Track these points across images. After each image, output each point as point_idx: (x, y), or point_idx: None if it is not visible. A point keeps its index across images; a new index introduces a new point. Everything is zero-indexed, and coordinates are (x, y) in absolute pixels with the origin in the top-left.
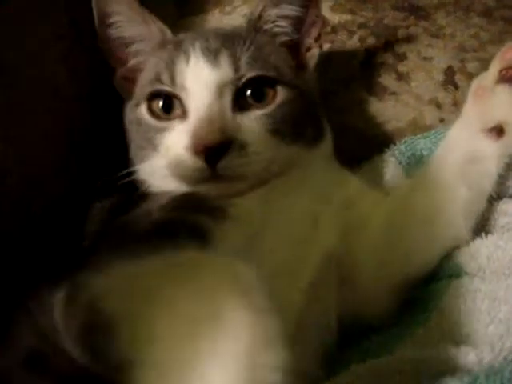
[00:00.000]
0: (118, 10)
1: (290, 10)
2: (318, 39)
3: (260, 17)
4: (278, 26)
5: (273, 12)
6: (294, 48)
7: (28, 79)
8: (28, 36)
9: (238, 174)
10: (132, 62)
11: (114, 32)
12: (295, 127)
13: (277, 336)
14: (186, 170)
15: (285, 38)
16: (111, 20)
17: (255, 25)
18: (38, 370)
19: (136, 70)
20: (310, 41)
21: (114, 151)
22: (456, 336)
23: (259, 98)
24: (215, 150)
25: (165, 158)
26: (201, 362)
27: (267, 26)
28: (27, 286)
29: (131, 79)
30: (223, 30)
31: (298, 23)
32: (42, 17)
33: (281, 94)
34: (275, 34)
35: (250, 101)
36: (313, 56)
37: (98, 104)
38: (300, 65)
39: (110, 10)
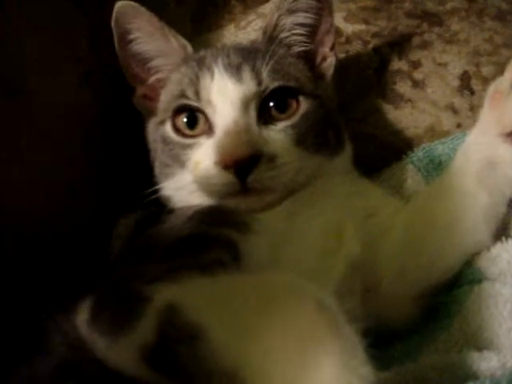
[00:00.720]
0: (138, 26)
1: (304, 17)
2: (332, 48)
3: (276, 26)
4: (293, 34)
5: (288, 20)
6: (310, 59)
7: (51, 103)
8: (47, 60)
9: (267, 186)
10: (153, 78)
11: (134, 48)
12: (318, 137)
13: (362, 358)
14: (216, 185)
15: (300, 49)
16: (131, 36)
17: (271, 34)
18: (70, 379)
19: (157, 87)
20: (325, 50)
21: (136, 168)
22: (479, 341)
23: (282, 109)
24: (245, 163)
25: (193, 174)
26: None
27: (283, 35)
28: (55, 299)
29: (152, 97)
30: (242, 44)
31: (313, 32)
32: (62, 39)
33: (303, 104)
34: (291, 45)
35: (274, 113)
36: (329, 65)
37: (119, 124)
38: (317, 75)
39: (129, 26)
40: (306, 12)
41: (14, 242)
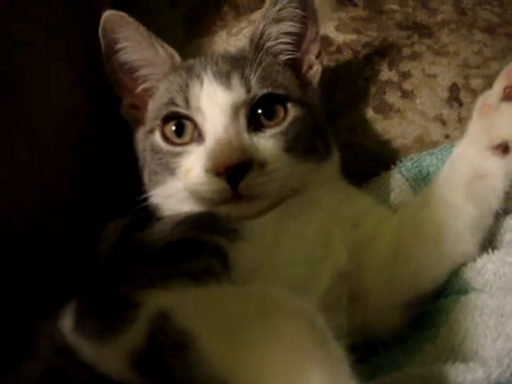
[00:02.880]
0: (125, 36)
1: (290, 26)
2: (318, 56)
3: (262, 34)
4: (279, 42)
5: (274, 29)
6: (297, 66)
7: (42, 104)
8: (39, 61)
9: (258, 192)
10: (140, 87)
11: (121, 58)
12: (307, 143)
13: (348, 372)
14: (208, 192)
15: (287, 57)
16: (119, 46)
17: (258, 43)
18: (57, 381)
19: (145, 97)
20: (311, 58)
21: (127, 172)
22: (464, 352)
23: (270, 116)
24: (236, 170)
25: (183, 182)
26: None
27: (269, 44)
28: (42, 303)
29: (139, 107)
30: (230, 53)
31: (299, 40)
32: (54, 41)
33: (292, 111)
34: (277, 53)
35: (263, 120)
36: (315, 73)
37: (109, 126)
38: (304, 82)
39: (117, 35)
40: (291, 21)
41: (1, 242)
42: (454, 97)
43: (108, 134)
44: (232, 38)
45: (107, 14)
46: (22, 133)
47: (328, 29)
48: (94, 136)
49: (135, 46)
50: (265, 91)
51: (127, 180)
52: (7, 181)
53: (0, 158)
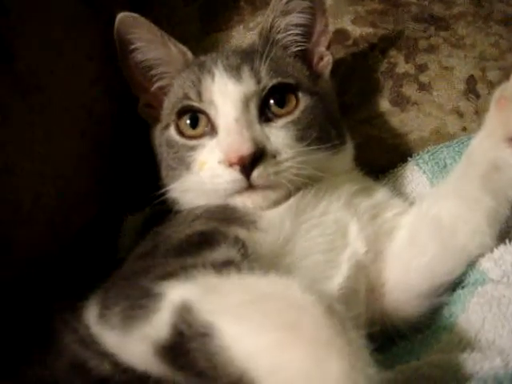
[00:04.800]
0: (138, 36)
1: (298, 18)
2: (329, 47)
3: (271, 27)
4: (289, 34)
5: (283, 22)
6: (307, 58)
7: (63, 100)
8: (60, 58)
9: (272, 182)
10: (155, 85)
11: (136, 57)
12: (319, 132)
13: (368, 360)
14: (222, 183)
15: (297, 49)
16: (133, 46)
17: (267, 36)
18: (81, 374)
19: (160, 95)
20: (321, 49)
21: (146, 167)
22: (481, 341)
23: (282, 105)
24: (249, 160)
25: (198, 175)
26: None
27: (279, 36)
28: (64, 297)
29: (155, 105)
30: (240, 47)
31: (308, 32)
32: (75, 39)
33: (303, 100)
34: (287, 46)
35: (275, 109)
36: (326, 64)
37: (129, 123)
38: (315, 74)
39: (130, 36)
40: (300, 13)
41: (26, 235)
42: (471, 89)
43: (127, 130)
44: (249, 33)
45: (121, 16)
46: (45, 128)
47: (344, 22)
48: (114, 132)
49: (148, 45)
50: (275, 81)
51: (147, 174)
52: (32, 175)
53: (23, 154)
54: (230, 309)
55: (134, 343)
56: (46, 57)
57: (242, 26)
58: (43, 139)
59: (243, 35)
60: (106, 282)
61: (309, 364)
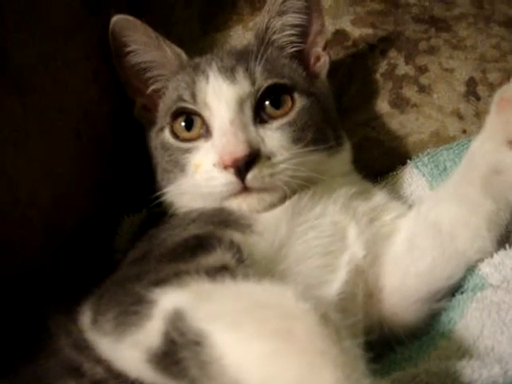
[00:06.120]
0: (133, 39)
1: (294, 18)
2: (325, 48)
3: (267, 28)
4: (285, 35)
5: (278, 22)
6: (304, 59)
7: (59, 100)
8: (56, 58)
9: (267, 184)
10: (151, 88)
11: (131, 60)
12: (316, 133)
13: (363, 370)
14: (217, 186)
15: (293, 49)
16: (128, 49)
17: (263, 37)
18: (75, 376)
19: (155, 97)
20: (318, 50)
21: (143, 168)
22: (480, 348)
23: (277, 106)
24: (243, 162)
25: (193, 178)
26: None
27: (275, 37)
28: (59, 298)
29: (150, 108)
30: (235, 49)
31: (304, 32)
32: (73, 38)
33: (299, 101)
34: (283, 46)
35: (270, 110)
36: (323, 65)
37: (126, 124)
38: (312, 74)
39: (125, 39)
40: (296, 13)
41: (20, 235)
42: (472, 91)
43: (125, 131)
44: (248, 33)
45: (116, 19)
46: (40, 128)
47: (344, 23)
48: (111, 133)
49: (143, 48)
50: (270, 82)
51: (144, 175)
52: (27, 176)
53: (19, 153)
54: (222, 317)
55: (127, 350)
56: (41, 56)
57: (240, 26)
58: (38, 139)
59: (242, 35)
60: (100, 286)
61: (302, 374)
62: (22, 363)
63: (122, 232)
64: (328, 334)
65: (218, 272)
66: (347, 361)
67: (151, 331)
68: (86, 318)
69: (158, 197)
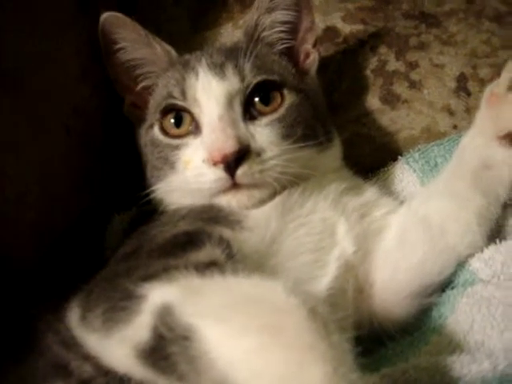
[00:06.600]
0: (123, 36)
1: (283, 15)
2: (315, 45)
3: (256, 25)
4: (274, 32)
5: (268, 19)
6: (294, 56)
7: (50, 98)
8: (46, 54)
9: (256, 180)
10: (140, 85)
11: (120, 57)
12: (305, 129)
13: (351, 365)
14: (206, 182)
15: (283, 46)
16: (117, 46)
17: (253, 34)
18: (62, 375)
19: (145, 95)
20: (307, 47)
21: (133, 166)
22: (471, 343)
23: (267, 102)
24: (233, 158)
25: (183, 174)
26: None
27: (264, 34)
28: (47, 297)
29: (140, 105)
30: (224, 45)
31: (294, 29)
32: (64, 35)
33: (288, 97)
34: (273, 43)
35: (259, 106)
36: (313, 61)
37: (116, 122)
38: (301, 71)
39: (115, 36)
40: (285, 9)
41: (10, 235)
42: (462, 87)
43: (115, 129)
44: (238, 31)
45: (105, 16)
46: (30, 125)
47: (335, 19)
48: (101, 130)
49: (133, 45)
50: (259, 78)
51: (134, 173)
52: (16, 174)
53: (9, 152)
54: (211, 311)
55: (115, 346)
56: (31, 53)
57: (230, 24)
58: (28, 136)
59: (232, 33)
60: (89, 283)
61: (291, 368)
62: (11, 365)
63: (112, 230)
64: (316, 328)
65: (207, 267)
66: (335, 355)
67: (140, 326)
68: (74, 314)
69: (148, 194)
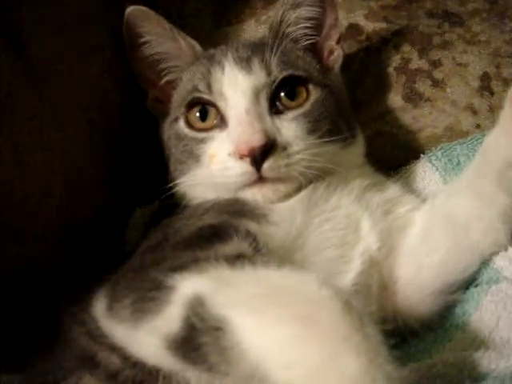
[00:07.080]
0: (147, 30)
1: (308, 11)
2: (339, 41)
3: (281, 21)
4: (299, 28)
5: (293, 15)
6: (318, 52)
7: (74, 91)
8: (71, 49)
9: (282, 174)
10: (164, 79)
11: (145, 51)
12: (330, 124)
13: (386, 356)
14: (232, 176)
15: (307, 42)
16: (141, 40)
17: (278, 30)
18: (90, 367)
19: (169, 89)
20: (331, 43)
21: (155, 160)
22: (496, 340)
23: (292, 97)
24: (259, 151)
25: (208, 168)
26: None
27: (289, 30)
28: (72, 289)
29: (163, 99)
30: (249, 41)
31: (318, 25)
32: (87, 29)
33: (313, 92)
34: (297, 39)
35: (285, 101)
36: (337, 58)
37: (139, 115)
38: (326, 67)
39: (140, 30)
40: (309, 6)
41: (36, 225)
42: (485, 86)
43: (137, 123)
44: (260, 26)
45: (130, 10)
46: (55, 118)
47: (358, 17)
48: (124, 123)
49: (157, 39)
50: (285, 73)
51: (157, 167)
52: (41, 167)
53: (35, 145)
54: (243, 302)
55: (144, 336)
56: (56, 45)
57: (253, 20)
58: (53, 129)
59: (255, 29)
60: (115, 274)
61: (325, 359)
62: (38, 358)
63: (134, 223)
64: (351, 320)
65: (236, 259)
66: (370, 347)
67: (170, 317)
68: (100, 304)
69: (171, 188)
